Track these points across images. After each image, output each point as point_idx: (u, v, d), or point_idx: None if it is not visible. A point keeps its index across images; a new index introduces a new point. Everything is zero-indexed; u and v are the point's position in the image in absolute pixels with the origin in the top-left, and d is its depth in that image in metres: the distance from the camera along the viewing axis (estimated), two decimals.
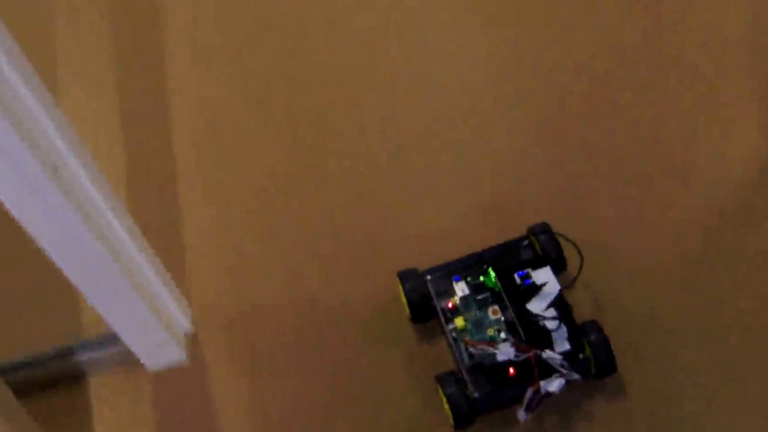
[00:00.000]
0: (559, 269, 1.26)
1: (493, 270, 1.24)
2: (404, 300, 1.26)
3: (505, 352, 1.18)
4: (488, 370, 1.19)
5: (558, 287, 1.22)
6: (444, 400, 1.20)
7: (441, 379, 1.20)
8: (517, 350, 1.18)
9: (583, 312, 1.25)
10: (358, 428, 1.23)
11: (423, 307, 1.25)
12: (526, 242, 1.27)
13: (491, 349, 1.18)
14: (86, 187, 1.02)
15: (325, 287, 1.32)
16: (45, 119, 0.94)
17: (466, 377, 1.19)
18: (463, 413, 1.18)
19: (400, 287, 1.27)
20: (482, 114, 1.42)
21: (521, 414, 1.18)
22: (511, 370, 1.18)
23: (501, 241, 1.28)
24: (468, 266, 1.25)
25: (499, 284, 1.23)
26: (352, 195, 1.37)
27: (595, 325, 1.20)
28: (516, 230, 1.29)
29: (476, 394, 1.18)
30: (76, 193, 0.99)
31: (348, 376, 1.25)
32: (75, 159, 1.00)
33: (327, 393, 1.24)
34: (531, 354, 1.18)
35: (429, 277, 1.26)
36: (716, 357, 1.21)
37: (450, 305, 1.23)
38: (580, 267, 1.25)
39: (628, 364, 1.22)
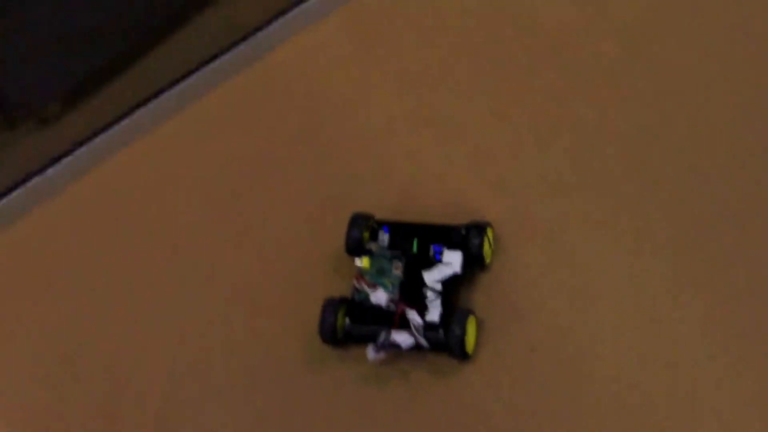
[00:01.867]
0: (475, 265, 1.40)
1: (418, 240, 1.41)
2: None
3: (378, 297, 1.36)
4: (362, 308, 1.37)
5: (458, 269, 1.37)
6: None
7: (327, 301, 1.39)
8: (390, 299, 1.35)
9: (473, 305, 1.39)
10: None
11: (357, 245, 1.43)
12: (463, 231, 1.42)
13: (368, 290, 1.36)
14: None
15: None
16: None
17: (345, 307, 1.37)
18: (328, 333, 1.37)
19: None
20: None
21: (369, 350, 1.35)
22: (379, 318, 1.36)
23: (444, 222, 1.44)
24: (405, 229, 1.43)
25: (415, 251, 1.40)
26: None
27: (466, 312, 1.35)
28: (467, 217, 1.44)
29: (346, 322, 1.36)
30: None
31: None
32: None
33: None
34: (399, 307, 1.35)
35: (375, 225, 1.44)
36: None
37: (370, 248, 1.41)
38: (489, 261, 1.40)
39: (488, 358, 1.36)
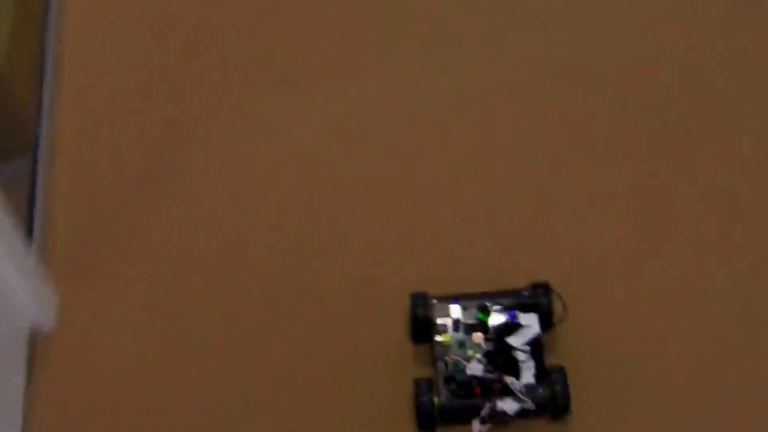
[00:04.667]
0: (546, 324, 1.42)
1: (485, 308, 1.41)
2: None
3: (473, 368, 1.35)
4: (458, 383, 1.35)
5: (538, 330, 1.38)
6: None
7: (417, 382, 1.37)
8: (485, 369, 1.34)
9: (556, 360, 1.40)
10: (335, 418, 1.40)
11: (424, 327, 1.42)
12: (527, 293, 1.43)
13: (464, 362, 1.35)
14: None
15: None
16: None
17: (439, 383, 1.35)
18: (428, 415, 1.34)
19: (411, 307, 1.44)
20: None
21: (475, 424, 1.33)
22: (477, 390, 1.34)
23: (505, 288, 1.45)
24: (470, 299, 1.43)
25: (488, 318, 1.40)
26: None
27: (560, 369, 1.36)
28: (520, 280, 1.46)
29: (444, 398, 1.34)
30: None
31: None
32: None
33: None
34: (497, 375, 1.34)
35: (435, 301, 1.43)
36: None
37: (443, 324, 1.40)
38: (564, 314, 1.41)
39: (584, 412, 1.37)
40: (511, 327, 1.39)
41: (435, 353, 1.38)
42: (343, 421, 1.40)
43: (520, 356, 1.37)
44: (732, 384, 1.40)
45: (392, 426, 1.38)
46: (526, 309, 1.41)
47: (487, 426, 1.34)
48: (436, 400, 1.35)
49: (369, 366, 1.43)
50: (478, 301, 1.42)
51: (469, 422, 1.35)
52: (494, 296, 1.43)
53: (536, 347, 1.38)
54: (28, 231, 1.52)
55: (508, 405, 1.33)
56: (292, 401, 1.41)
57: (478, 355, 1.37)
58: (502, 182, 1.57)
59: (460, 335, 1.40)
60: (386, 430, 1.39)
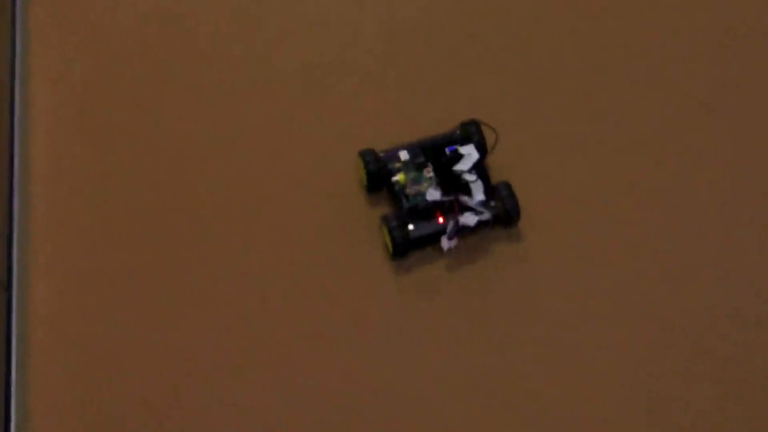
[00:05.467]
0: (483, 153, 1.61)
1: (429, 151, 1.60)
2: (363, 173, 1.60)
3: (432, 193, 1.54)
4: (421, 210, 1.54)
5: (477, 155, 1.58)
6: (386, 234, 1.54)
7: (385, 218, 1.54)
8: (442, 194, 1.53)
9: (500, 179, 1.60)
10: (310, 265, 1.56)
11: (377, 177, 1.59)
12: (459, 132, 1.63)
13: (421, 189, 1.53)
14: None
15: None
16: None
17: (406, 216, 1.53)
18: (401, 243, 1.52)
19: (360, 163, 1.61)
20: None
21: (444, 241, 1.52)
22: (438, 213, 1.53)
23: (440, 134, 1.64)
24: (413, 146, 1.61)
25: (431, 157, 1.59)
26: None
27: (506, 183, 1.56)
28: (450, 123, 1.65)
29: (412, 226, 1.52)
30: None
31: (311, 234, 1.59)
32: None
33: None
34: (453, 196, 1.53)
35: (382, 154, 1.61)
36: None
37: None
38: (495, 141, 1.61)
39: (530, 218, 1.57)
40: (455, 159, 1.58)
41: (394, 192, 1.56)
42: (315, 265, 1.56)
43: (469, 178, 1.56)
44: (664, 185, 1.63)
45: (366, 262, 1.55)
46: (462, 143, 1.60)
47: (454, 241, 1.53)
48: (405, 229, 1.53)
49: (334, 213, 1.60)
50: (421, 145, 1.61)
51: (437, 244, 1.54)
52: (432, 140, 1.62)
53: (480, 170, 1.57)
54: None
55: (468, 219, 1.52)
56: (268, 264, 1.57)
57: (433, 186, 1.56)
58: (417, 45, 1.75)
59: (413, 173, 1.58)
60: (360, 267, 1.55)
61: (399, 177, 1.57)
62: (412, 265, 1.55)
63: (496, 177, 1.60)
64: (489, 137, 1.63)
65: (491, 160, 1.62)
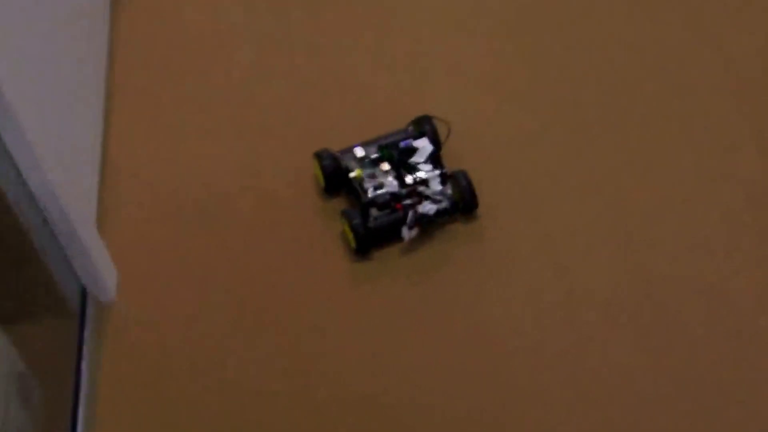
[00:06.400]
0: (437, 146, 1.64)
1: (384, 148, 1.62)
2: (319, 173, 1.63)
3: (390, 184, 1.56)
4: (380, 204, 1.56)
5: (431, 148, 1.61)
6: (348, 230, 1.56)
7: (346, 213, 1.56)
8: (400, 185, 1.56)
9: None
10: (273, 266, 1.57)
11: (334, 176, 1.61)
12: (412, 128, 1.66)
13: (377, 182, 1.56)
14: None
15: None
16: None
17: (366, 210, 1.55)
18: (364, 237, 1.54)
19: (316, 163, 1.63)
20: None
21: (404, 231, 1.54)
22: (399, 206, 1.56)
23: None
24: (368, 143, 1.64)
25: (387, 152, 1.61)
26: None
27: (462, 172, 1.58)
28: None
29: (372, 220, 1.54)
30: None
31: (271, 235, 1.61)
32: None
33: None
34: (411, 187, 1.56)
35: (338, 153, 1.63)
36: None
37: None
38: (448, 133, 1.65)
39: (488, 206, 1.60)
40: (410, 151, 1.61)
41: (353, 188, 1.58)
42: (274, 266, 1.57)
43: (425, 169, 1.59)
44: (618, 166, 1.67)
45: (326, 259, 1.57)
46: (415, 138, 1.63)
47: (415, 231, 1.55)
48: (366, 223, 1.55)
49: (293, 214, 1.62)
50: (376, 143, 1.63)
51: (398, 235, 1.56)
52: (387, 137, 1.64)
53: (435, 161, 1.60)
54: None
55: (427, 207, 1.55)
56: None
57: (390, 179, 1.58)
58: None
59: (369, 169, 1.60)
60: (321, 264, 1.57)
61: (356, 172, 1.59)
62: (373, 257, 1.57)
63: (452, 167, 1.63)
64: (442, 132, 1.66)
65: (446, 151, 1.64)
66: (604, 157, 1.66)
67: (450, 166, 1.62)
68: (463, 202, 1.57)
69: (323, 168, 1.61)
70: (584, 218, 1.60)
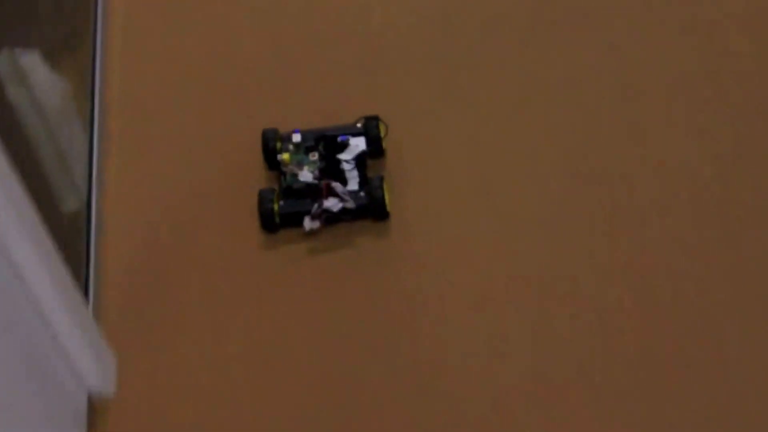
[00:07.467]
0: (377, 150, 1.67)
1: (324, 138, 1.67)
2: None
3: (304, 175, 1.61)
4: (294, 190, 1.61)
5: (364, 148, 1.64)
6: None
7: (261, 192, 1.62)
8: (315, 177, 1.60)
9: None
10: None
11: (270, 154, 1.67)
12: (358, 125, 1.69)
13: (296, 170, 1.61)
14: None
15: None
16: None
17: (281, 193, 1.61)
18: (266, 218, 1.60)
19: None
20: None
21: (306, 221, 1.59)
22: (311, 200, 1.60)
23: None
24: (313, 132, 1.69)
25: (321, 143, 1.66)
26: None
27: (379, 177, 1.61)
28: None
29: (282, 204, 1.60)
30: None
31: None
32: None
33: None
34: (324, 181, 1.60)
35: (283, 134, 1.69)
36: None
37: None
38: (385, 133, 1.67)
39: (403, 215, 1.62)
40: (343, 146, 1.65)
41: (281, 170, 1.64)
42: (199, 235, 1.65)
43: (347, 167, 1.62)
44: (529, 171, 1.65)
45: (241, 232, 1.64)
46: (358, 136, 1.67)
47: (317, 223, 1.59)
48: (276, 206, 1.60)
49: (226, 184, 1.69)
50: (317, 132, 1.68)
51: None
52: (333, 129, 1.68)
53: (361, 162, 1.64)
54: (84, 290, 1.52)
55: (332, 203, 1.58)
56: None
57: (313, 169, 1.62)
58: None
59: (300, 156, 1.65)
60: (235, 235, 1.64)
61: (284, 156, 1.65)
62: (280, 240, 1.62)
63: (379, 171, 1.65)
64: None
65: (393, 154, 1.67)
66: (537, 169, 1.66)
67: (388, 170, 1.64)
68: (373, 207, 1.59)
69: (263, 144, 1.67)
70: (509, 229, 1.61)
